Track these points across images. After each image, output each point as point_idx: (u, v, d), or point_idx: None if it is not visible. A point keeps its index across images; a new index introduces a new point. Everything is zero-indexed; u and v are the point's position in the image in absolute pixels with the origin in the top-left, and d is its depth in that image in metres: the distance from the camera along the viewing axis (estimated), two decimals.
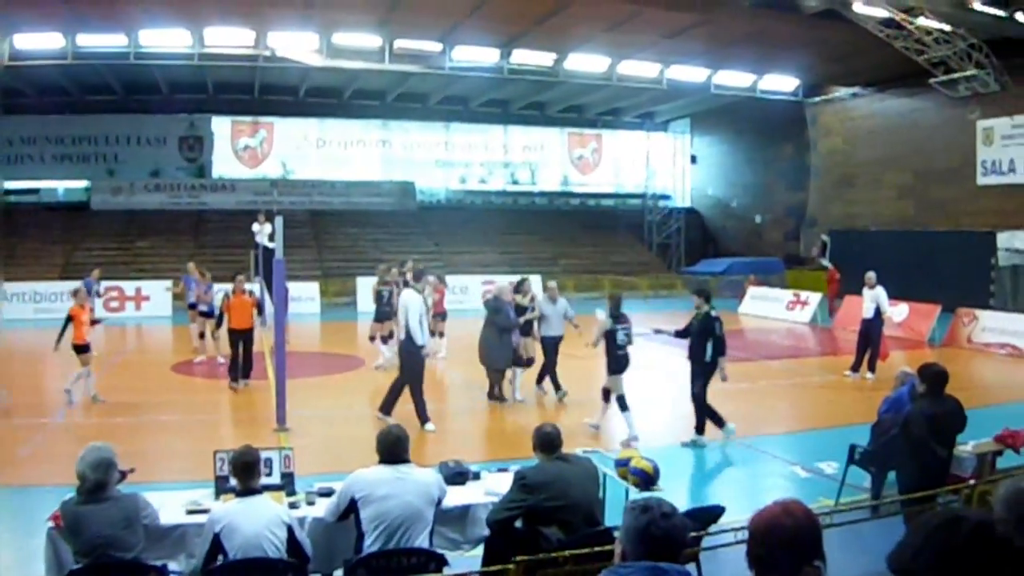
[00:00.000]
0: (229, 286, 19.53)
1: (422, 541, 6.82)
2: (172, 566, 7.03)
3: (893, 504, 8.99)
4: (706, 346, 14.08)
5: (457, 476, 8.42)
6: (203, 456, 8.76)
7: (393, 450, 7.08)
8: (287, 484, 8.09)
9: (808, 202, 47.09)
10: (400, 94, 47.12)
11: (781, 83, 44.90)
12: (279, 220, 15.55)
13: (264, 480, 7.75)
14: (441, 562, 6.77)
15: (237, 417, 16.97)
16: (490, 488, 8.13)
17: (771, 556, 3.24)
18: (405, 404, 14.98)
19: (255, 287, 25.20)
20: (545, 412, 16.50)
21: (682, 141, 58.05)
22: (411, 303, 15.13)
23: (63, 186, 47.53)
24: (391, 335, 21.12)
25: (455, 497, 7.79)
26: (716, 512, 7.53)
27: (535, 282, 30.89)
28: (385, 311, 20.89)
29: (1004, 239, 31.87)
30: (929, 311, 27.17)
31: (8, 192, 45.80)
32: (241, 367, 18.80)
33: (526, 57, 39.99)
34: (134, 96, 45.46)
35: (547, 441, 7.54)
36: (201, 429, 15.32)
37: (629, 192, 57.60)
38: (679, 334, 14.66)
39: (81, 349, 17.22)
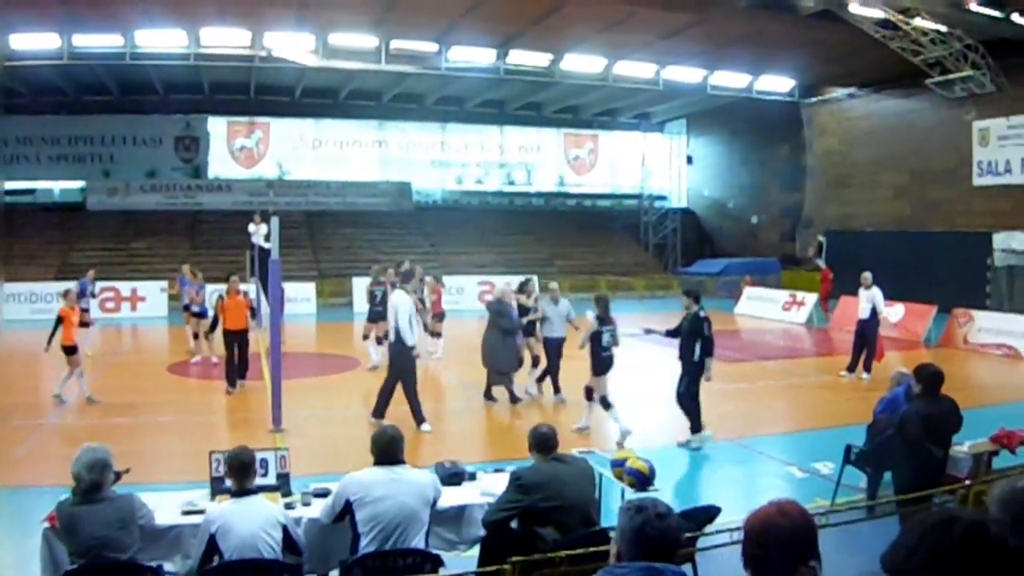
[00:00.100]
0: (224, 287, 19.50)
1: (418, 542, 6.82)
2: (167, 567, 7.02)
3: (889, 504, 8.99)
4: (695, 347, 14.09)
5: (453, 477, 8.41)
6: (199, 457, 8.74)
7: (388, 451, 7.08)
8: (283, 485, 8.08)
9: (804, 203, 47.08)
10: (396, 94, 47.06)
11: (777, 84, 44.90)
12: (275, 220, 15.54)
13: (260, 481, 7.76)
14: (437, 563, 6.76)
15: (233, 418, 16.96)
16: (486, 489, 8.13)
17: (766, 556, 3.24)
18: (399, 405, 14.97)
19: (251, 288, 25.25)
20: (544, 413, 16.46)
21: (678, 142, 58.03)
22: (400, 304, 15.11)
23: (59, 186, 47.40)
24: (387, 336, 21.15)
25: (451, 497, 7.79)
26: (712, 512, 7.52)
27: (533, 283, 30.92)
28: (378, 311, 20.85)
29: (1000, 240, 31.90)
30: (925, 311, 27.21)
31: (4, 192, 45.65)
32: (237, 367, 18.71)
33: (522, 57, 39.97)
34: (130, 96, 45.39)
35: (543, 441, 7.54)
36: (197, 430, 15.31)
37: (625, 193, 57.57)
38: (670, 333, 14.70)
39: (70, 350, 17.23)
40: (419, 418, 14.93)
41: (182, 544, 7.15)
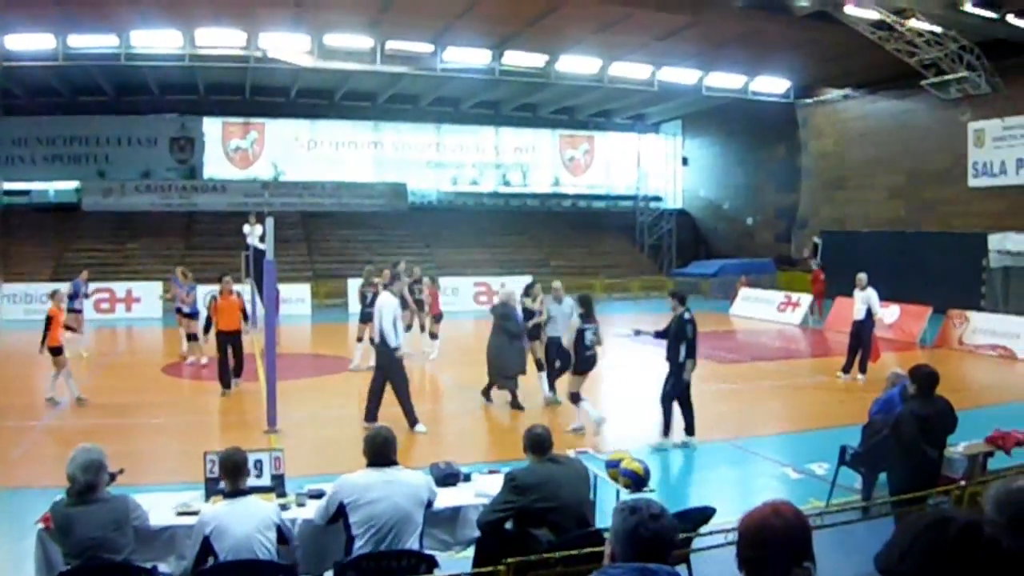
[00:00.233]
0: (217, 287, 19.44)
1: (412, 543, 6.81)
2: (162, 568, 7.04)
3: (884, 505, 9.00)
4: (680, 348, 14.08)
5: (448, 478, 8.42)
6: (193, 458, 8.75)
7: (381, 452, 7.07)
8: (277, 486, 8.09)
9: (799, 204, 47.10)
10: (391, 95, 47.04)
11: (772, 85, 44.92)
12: (270, 221, 15.50)
13: (255, 482, 7.78)
14: (432, 564, 6.77)
15: (227, 419, 16.93)
16: (481, 490, 8.13)
17: (761, 557, 3.24)
18: (392, 407, 14.94)
19: (246, 288, 25.24)
20: (542, 415, 16.43)
21: (673, 143, 58.05)
22: (385, 305, 15.09)
23: (54, 187, 47.27)
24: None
25: (446, 498, 7.79)
26: (707, 513, 7.53)
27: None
28: (369, 312, 20.79)
29: (995, 241, 31.90)
30: (920, 312, 27.23)
31: (0, 193, 45.67)
32: (233, 368, 18.63)
33: (517, 58, 39.95)
34: (125, 97, 45.39)
35: (538, 442, 7.54)
36: (191, 431, 15.30)
37: (620, 194, 57.55)
38: (659, 335, 14.68)
39: (55, 351, 17.22)
40: (412, 419, 14.89)
41: (176, 545, 7.16)
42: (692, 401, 14.38)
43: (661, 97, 46.87)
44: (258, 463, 8.12)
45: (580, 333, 15.00)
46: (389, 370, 15.05)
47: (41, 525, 6.97)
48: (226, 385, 18.40)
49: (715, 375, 21.52)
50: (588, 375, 15.27)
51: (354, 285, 29.38)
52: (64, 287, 22.35)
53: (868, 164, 41.71)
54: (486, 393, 17.59)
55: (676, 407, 14.31)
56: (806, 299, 33.24)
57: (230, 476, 6.88)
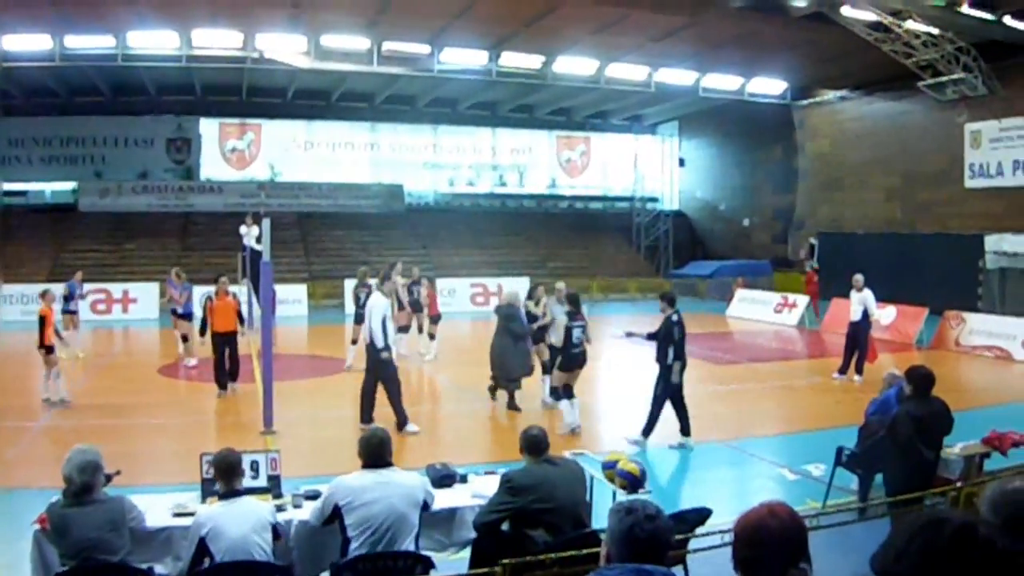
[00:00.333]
0: (213, 288, 19.38)
1: (408, 544, 6.80)
2: (158, 569, 7.04)
3: (880, 506, 9.00)
4: (668, 350, 14.06)
5: (444, 479, 8.40)
6: (189, 459, 8.74)
7: (376, 454, 7.06)
8: (274, 487, 8.07)
9: (796, 205, 47.12)
10: (388, 96, 47.05)
11: (769, 86, 44.94)
12: (267, 222, 15.49)
13: (251, 483, 7.79)
14: (428, 565, 6.76)
15: (224, 420, 16.91)
16: (477, 491, 8.12)
17: (757, 558, 3.24)
18: (385, 407, 14.94)
19: (242, 289, 25.22)
20: (539, 417, 16.40)
21: (670, 144, 58.08)
22: (376, 305, 15.06)
23: (51, 188, 47.29)
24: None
25: (442, 499, 7.77)
26: (703, 514, 7.52)
27: (524, 285, 30.86)
28: (362, 314, 20.82)
29: (992, 242, 31.92)
30: (917, 314, 27.24)
31: None
32: (228, 371, 18.57)
33: (514, 60, 39.98)
34: (122, 98, 45.35)
35: (534, 443, 7.53)
36: (187, 432, 15.29)
37: (617, 195, 57.52)
38: (651, 337, 14.62)
39: (47, 350, 17.21)
40: (401, 420, 14.82)
41: (173, 546, 7.14)
42: (685, 402, 14.34)
43: (658, 98, 46.95)
44: (254, 464, 8.11)
45: (568, 331, 15.01)
46: (378, 370, 15.03)
47: (37, 526, 6.94)
48: (222, 386, 18.28)
49: (712, 376, 21.52)
50: (577, 373, 15.28)
51: (351, 286, 29.43)
52: (58, 288, 22.34)
53: (865, 165, 41.73)
54: (493, 391, 17.50)
55: (670, 410, 14.28)
56: (803, 300, 33.29)
57: (224, 477, 6.88)
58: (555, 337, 16.94)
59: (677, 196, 58.26)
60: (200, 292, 23.20)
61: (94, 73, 39.92)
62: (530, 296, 18.80)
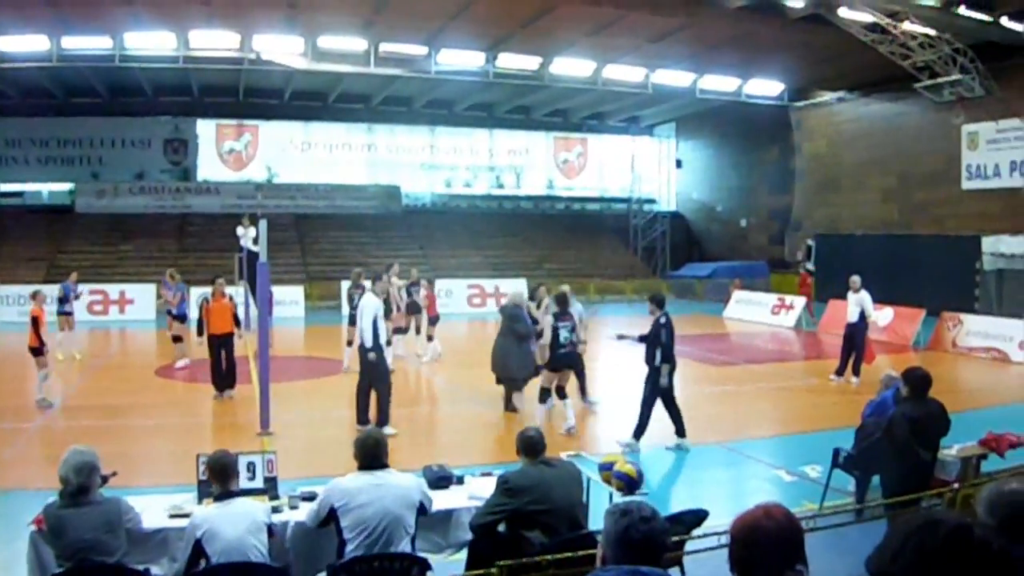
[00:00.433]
0: (210, 289, 19.35)
1: (404, 546, 6.79)
2: (155, 570, 7.03)
3: (877, 508, 9.00)
4: (655, 352, 14.05)
5: (441, 480, 8.41)
6: (186, 460, 8.72)
7: (372, 455, 7.04)
8: (270, 488, 8.06)
9: (793, 206, 47.17)
10: (385, 97, 47.04)
11: (766, 87, 45.00)
12: (263, 223, 15.46)
13: (247, 484, 7.79)
14: (424, 566, 6.74)
15: (220, 421, 16.90)
16: (474, 492, 8.12)
17: (753, 560, 3.24)
18: None
19: (239, 290, 25.19)
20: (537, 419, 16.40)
21: (667, 145, 58.13)
22: (367, 306, 15.05)
23: (47, 189, 47.31)
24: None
25: (439, 501, 7.75)
26: (700, 516, 7.52)
27: (521, 286, 30.85)
28: (355, 315, 20.80)
29: (989, 243, 31.98)
30: (914, 315, 27.24)
31: None
32: (224, 375, 18.49)
33: (511, 61, 40.02)
34: (119, 99, 45.32)
35: (530, 445, 7.52)
36: (184, 433, 15.27)
37: (614, 196, 57.52)
38: (642, 339, 14.58)
39: (35, 352, 17.19)
40: (381, 419, 14.75)
41: (169, 547, 7.14)
42: (677, 404, 14.32)
43: (655, 99, 47.00)
44: (251, 465, 8.11)
45: (555, 331, 14.99)
46: (367, 370, 15.01)
47: (34, 527, 6.95)
48: (219, 388, 18.24)
49: (708, 377, 21.54)
50: (567, 373, 15.30)
51: (347, 287, 29.46)
52: (52, 289, 22.34)
53: (862, 166, 41.79)
54: (507, 405, 17.30)
55: (665, 411, 14.28)
56: (799, 302, 33.26)
57: (218, 479, 6.88)
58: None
59: (674, 197, 58.31)
60: (197, 293, 23.23)
61: (91, 74, 39.92)
62: (531, 297, 18.74)
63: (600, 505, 8.19)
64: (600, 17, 32.95)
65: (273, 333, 18.41)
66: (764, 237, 50.33)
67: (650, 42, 36.04)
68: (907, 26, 30.45)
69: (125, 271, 39.02)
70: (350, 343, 21.48)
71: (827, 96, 44.04)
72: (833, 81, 42.09)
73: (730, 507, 8.56)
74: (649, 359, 14.17)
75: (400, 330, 22.62)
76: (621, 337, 15.47)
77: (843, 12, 29.91)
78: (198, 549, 6.41)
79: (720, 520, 6.74)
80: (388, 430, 14.55)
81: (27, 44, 34.52)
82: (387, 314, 20.99)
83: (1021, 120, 33.08)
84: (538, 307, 18.05)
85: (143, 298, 34.51)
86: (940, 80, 33.80)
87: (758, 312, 34.84)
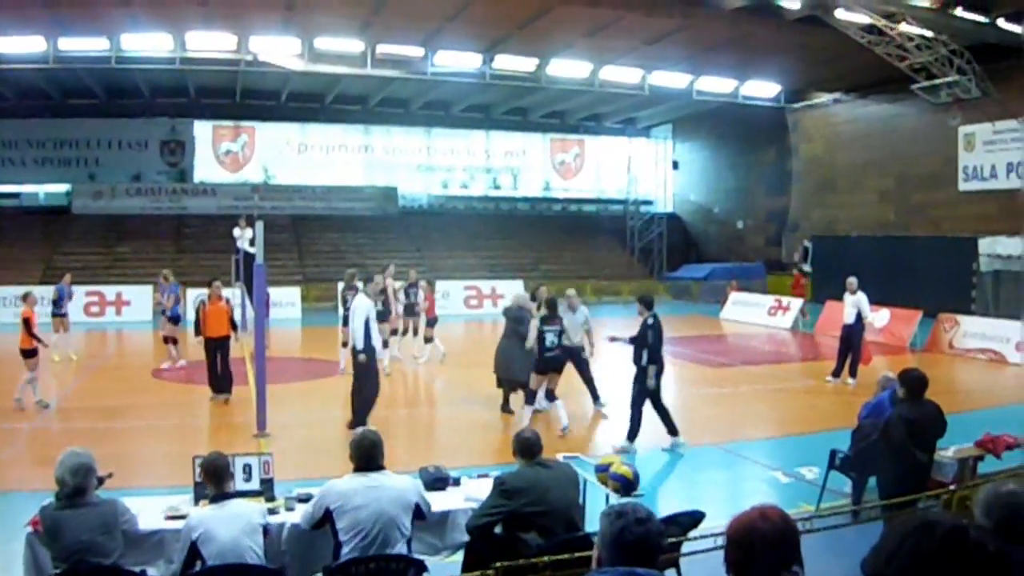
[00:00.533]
0: (207, 291, 19.30)
1: (400, 548, 6.78)
2: (151, 572, 7.04)
3: (874, 509, 9.00)
4: (642, 353, 14.05)
5: (437, 482, 8.40)
6: (182, 461, 8.71)
7: (368, 456, 7.03)
8: (267, 490, 8.07)
9: (790, 207, 47.23)
10: (382, 99, 47.04)
11: (763, 89, 45.02)
12: (260, 225, 15.45)
13: (244, 486, 7.79)
14: (420, 568, 6.74)
15: (217, 423, 16.86)
16: (470, 494, 8.11)
17: (749, 561, 3.23)
18: (381, 409, 14.91)
19: (236, 292, 25.17)
20: (536, 422, 16.37)
21: (664, 147, 58.09)
22: (359, 307, 14.97)
23: (44, 190, 47.28)
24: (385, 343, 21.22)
25: (435, 503, 7.73)
26: (696, 517, 7.52)
27: (519, 288, 30.84)
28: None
29: (986, 245, 32.01)
30: (911, 316, 27.24)
31: None
32: (221, 379, 18.43)
33: (508, 62, 40.00)
34: (116, 100, 45.27)
35: (527, 446, 7.53)
36: (180, 434, 15.27)
37: (611, 197, 57.52)
38: (632, 340, 14.57)
39: (28, 353, 17.14)
40: (356, 421, 14.66)
41: (165, 549, 7.13)
42: (664, 405, 14.31)
43: (652, 101, 46.99)
44: (247, 467, 8.12)
45: (541, 334, 15.00)
46: (361, 373, 14.99)
47: (30, 528, 6.94)
48: (216, 390, 18.18)
49: (705, 379, 21.55)
50: (555, 376, 15.29)
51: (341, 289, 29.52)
52: (46, 291, 22.32)
53: (858, 168, 41.84)
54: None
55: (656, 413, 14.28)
56: (796, 303, 33.31)
57: (213, 480, 6.88)
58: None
59: (671, 199, 58.29)
60: (193, 294, 23.21)
61: (88, 75, 39.90)
62: (532, 298, 18.70)
63: (597, 507, 8.18)
64: (597, 19, 32.96)
65: (270, 335, 18.45)
66: (761, 239, 50.36)
67: (647, 44, 36.03)
68: (904, 27, 30.45)
69: (122, 272, 38.99)
70: (345, 344, 21.51)
71: (824, 97, 44.10)
72: (830, 82, 42.14)
73: (727, 509, 8.55)
74: (636, 360, 14.17)
75: (394, 331, 22.60)
76: (613, 339, 15.48)
77: (840, 14, 29.91)
78: (194, 551, 6.41)
79: (716, 522, 6.74)
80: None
81: (24, 45, 34.48)
82: (385, 316, 21.06)
83: (1018, 121, 33.08)
84: (539, 308, 18.01)
85: (140, 299, 34.47)
86: (937, 81, 33.79)
87: (755, 313, 34.85)
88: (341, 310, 22.77)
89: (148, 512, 7.42)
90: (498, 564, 6.23)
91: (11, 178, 46.11)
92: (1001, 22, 30.37)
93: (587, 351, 16.68)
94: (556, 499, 7.24)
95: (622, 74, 41.82)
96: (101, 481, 6.88)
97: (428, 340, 23.39)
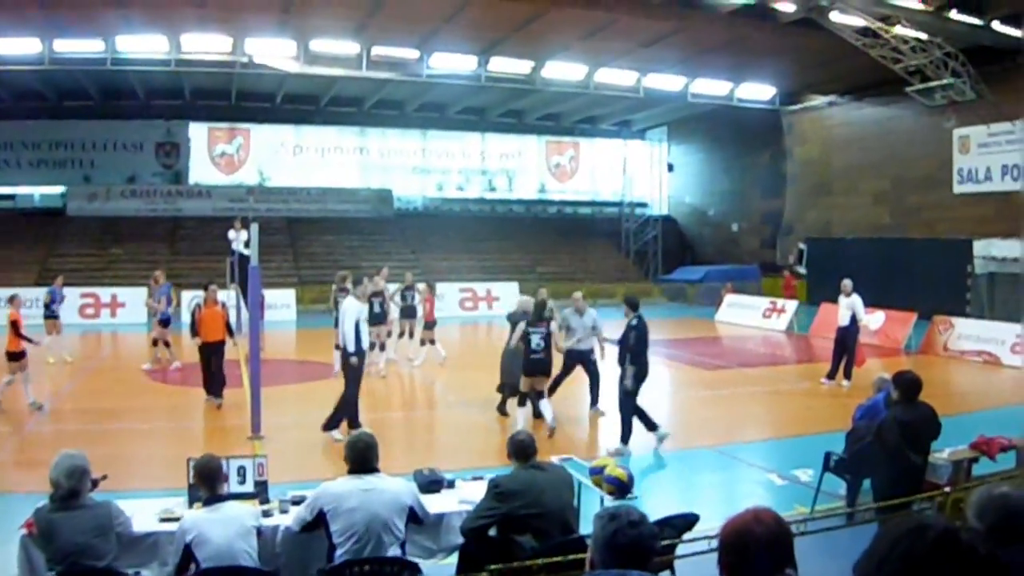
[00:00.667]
0: (202, 294, 19.25)
1: (394, 550, 6.78)
2: (145, 574, 7.03)
3: (868, 512, 9.01)
4: (625, 355, 14.05)
5: (432, 484, 8.40)
6: (176, 464, 8.71)
7: (362, 458, 7.03)
8: (261, 492, 8.05)
9: (784, 210, 47.22)
10: (377, 101, 47.01)
11: (758, 91, 45.04)
12: (255, 227, 15.43)
13: (238, 488, 7.78)
14: (415, 570, 6.73)
15: (212, 425, 16.85)
16: (464, 496, 8.11)
17: (742, 564, 3.23)
18: (377, 412, 14.91)
19: (231, 294, 25.15)
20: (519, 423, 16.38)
21: (659, 149, 58.12)
22: (348, 309, 14.95)
23: (39, 192, 47.21)
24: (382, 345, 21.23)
25: (430, 505, 7.72)
26: (690, 520, 7.52)
27: (514, 290, 30.83)
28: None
29: (980, 247, 32.05)
30: (905, 318, 27.25)
31: None
32: (214, 382, 18.40)
33: (503, 65, 39.97)
34: (111, 102, 45.21)
35: (521, 449, 7.53)
36: (175, 437, 15.27)
37: (606, 200, 57.51)
38: (619, 342, 14.57)
39: (15, 356, 17.08)
40: (331, 423, 14.68)
41: (159, 551, 7.12)
42: (639, 405, 14.35)
43: (647, 103, 46.95)
44: (241, 469, 8.11)
45: (527, 336, 15.00)
46: (346, 373, 14.98)
47: (24, 531, 6.91)
48: (211, 392, 18.14)
49: (700, 381, 21.57)
50: (542, 379, 15.25)
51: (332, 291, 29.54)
52: (31, 293, 22.31)
53: (853, 170, 41.88)
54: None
55: (659, 414, 14.30)
56: (791, 305, 33.35)
57: (206, 483, 6.90)
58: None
59: (666, 201, 58.31)
60: (188, 296, 23.16)
61: (83, 77, 39.85)
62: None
63: (591, 509, 8.20)
64: (592, 21, 32.95)
65: (264, 337, 18.39)
66: (756, 241, 50.37)
67: (642, 46, 36.02)
68: (898, 30, 30.50)
69: (116, 274, 38.91)
70: (337, 346, 21.51)
71: (819, 100, 44.11)
72: (825, 85, 42.16)
73: (721, 511, 8.54)
74: (620, 361, 14.20)
75: (390, 334, 22.60)
76: (603, 341, 15.48)
77: (834, 16, 29.96)
78: (188, 554, 6.41)
79: (711, 524, 6.74)
80: (335, 434, 14.54)
81: (19, 47, 34.43)
82: (382, 318, 21.07)
83: (1012, 124, 33.09)
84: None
85: (134, 302, 34.34)
86: (932, 84, 33.85)
87: (750, 316, 34.88)
88: (334, 312, 22.74)
89: (142, 514, 7.39)
90: (492, 567, 6.23)
91: (6, 180, 46.04)
92: (996, 25, 30.40)
93: (598, 353, 16.61)
94: (551, 502, 7.24)
95: (617, 76, 41.81)
96: (95, 483, 6.88)
97: (425, 343, 23.33)
